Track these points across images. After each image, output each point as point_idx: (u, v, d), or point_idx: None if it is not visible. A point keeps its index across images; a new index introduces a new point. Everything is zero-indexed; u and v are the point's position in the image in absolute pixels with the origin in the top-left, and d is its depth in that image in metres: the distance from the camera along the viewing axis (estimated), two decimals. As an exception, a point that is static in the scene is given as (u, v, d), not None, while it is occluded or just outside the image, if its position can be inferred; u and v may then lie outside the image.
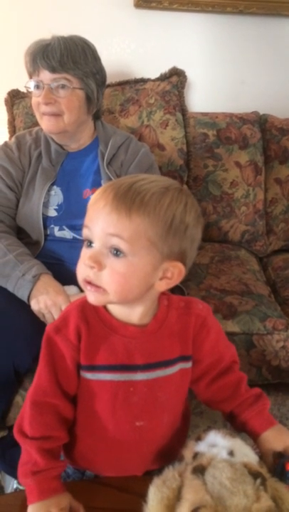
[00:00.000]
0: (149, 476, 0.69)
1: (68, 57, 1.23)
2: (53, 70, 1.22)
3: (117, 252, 0.63)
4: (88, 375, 0.71)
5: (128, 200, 0.62)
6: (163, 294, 0.73)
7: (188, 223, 0.65)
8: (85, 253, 0.66)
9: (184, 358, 0.75)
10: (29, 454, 0.69)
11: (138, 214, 0.62)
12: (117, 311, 0.71)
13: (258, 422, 0.76)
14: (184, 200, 0.65)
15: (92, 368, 0.71)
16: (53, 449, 0.71)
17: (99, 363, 0.71)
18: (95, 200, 0.65)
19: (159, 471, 0.68)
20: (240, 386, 0.79)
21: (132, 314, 0.71)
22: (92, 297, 0.67)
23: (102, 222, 0.63)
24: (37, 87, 1.26)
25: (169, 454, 0.74)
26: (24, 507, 0.67)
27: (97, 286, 0.65)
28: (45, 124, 1.28)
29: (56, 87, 1.24)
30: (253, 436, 0.76)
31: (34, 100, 1.28)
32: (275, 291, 1.56)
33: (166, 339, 0.73)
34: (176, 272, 0.66)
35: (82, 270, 0.66)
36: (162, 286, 0.67)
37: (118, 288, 0.65)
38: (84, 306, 0.72)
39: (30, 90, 1.28)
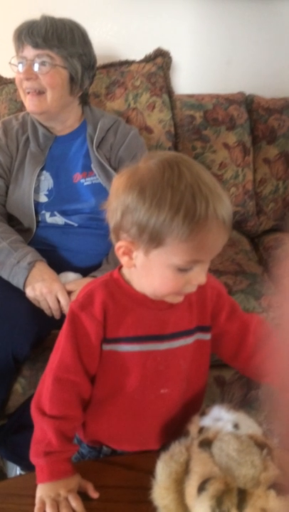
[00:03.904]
0: (155, 452, 0.70)
1: (53, 34, 1.21)
2: (36, 46, 1.21)
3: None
4: (117, 347, 0.72)
5: (228, 228, 0.66)
6: None
7: None
8: (185, 275, 0.67)
9: (201, 329, 0.77)
10: (44, 433, 0.70)
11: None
12: (140, 286, 0.72)
13: None
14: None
15: (121, 340, 0.72)
16: (69, 431, 0.71)
17: (128, 334, 0.72)
18: (211, 232, 0.64)
19: (166, 447, 0.69)
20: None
21: None
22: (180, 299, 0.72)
23: (220, 248, 0.67)
24: (21, 63, 1.24)
25: (181, 426, 0.75)
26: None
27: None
28: (28, 103, 1.26)
29: (39, 63, 1.22)
30: None
31: (17, 77, 1.26)
32: (268, 271, 1.57)
33: (186, 309, 0.75)
34: None
35: (188, 288, 0.69)
36: None
37: None
38: (108, 284, 0.73)
39: (15, 70, 1.26)
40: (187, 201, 0.62)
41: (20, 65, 1.25)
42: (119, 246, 0.68)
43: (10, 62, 1.27)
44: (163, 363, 0.74)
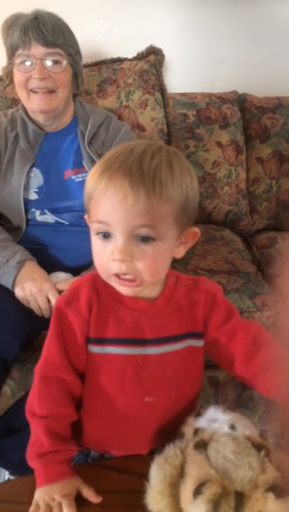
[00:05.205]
0: (148, 455, 0.68)
1: (59, 32, 1.18)
2: (46, 44, 1.17)
3: (146, 239, 0.63)
4: (97, 349, 0.70)
5: (149, 187, 0.60)
6: (171, 272, 0.72)
7: (195, 186, 0.67)
8: (108, 247, 0.63)
9: (193, 335, 0.74)
10: (37, 434, 0.68)
11: (161, 200, 0.61)
12: None
13: None
14: (184, 164, 0.66)
15: (102, 341, 0.70)
16: (61, 430, 0.69)
17: (108, 335, 0.69)
18: (106, 189, 0.61)
19: (160, 449, 0.66)
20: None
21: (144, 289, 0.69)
22: (129, 290, 0.66)
23: (125, 215, 0.61)
24: (26, 62, 1.20)
25: (174, 432, 0.72)
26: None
27: (131, 280, 0.64)
28: (37, 103, 1.22)
29: (51, 62, 1.19)
30: None
31: (22, 76, 1.21)
32: (261, 270, 1.56)
33: (174, 314, 0.72)
34: (190, 236, 0.69)
35: (112, 266, 0.63)
36: (181, 252, 0.69)
37: (153, 271, 0.65)
38: (94, 279, 0.70)
39: (17, 67, 1.21)
40: (110, 162, 0.62)
41: (21, 64, 1.20)
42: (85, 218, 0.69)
43: (9, 63, 1.23)
44: (146, 369, 0.71)
